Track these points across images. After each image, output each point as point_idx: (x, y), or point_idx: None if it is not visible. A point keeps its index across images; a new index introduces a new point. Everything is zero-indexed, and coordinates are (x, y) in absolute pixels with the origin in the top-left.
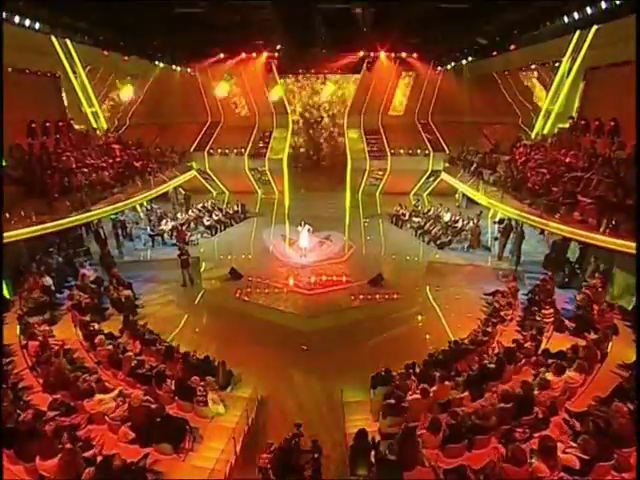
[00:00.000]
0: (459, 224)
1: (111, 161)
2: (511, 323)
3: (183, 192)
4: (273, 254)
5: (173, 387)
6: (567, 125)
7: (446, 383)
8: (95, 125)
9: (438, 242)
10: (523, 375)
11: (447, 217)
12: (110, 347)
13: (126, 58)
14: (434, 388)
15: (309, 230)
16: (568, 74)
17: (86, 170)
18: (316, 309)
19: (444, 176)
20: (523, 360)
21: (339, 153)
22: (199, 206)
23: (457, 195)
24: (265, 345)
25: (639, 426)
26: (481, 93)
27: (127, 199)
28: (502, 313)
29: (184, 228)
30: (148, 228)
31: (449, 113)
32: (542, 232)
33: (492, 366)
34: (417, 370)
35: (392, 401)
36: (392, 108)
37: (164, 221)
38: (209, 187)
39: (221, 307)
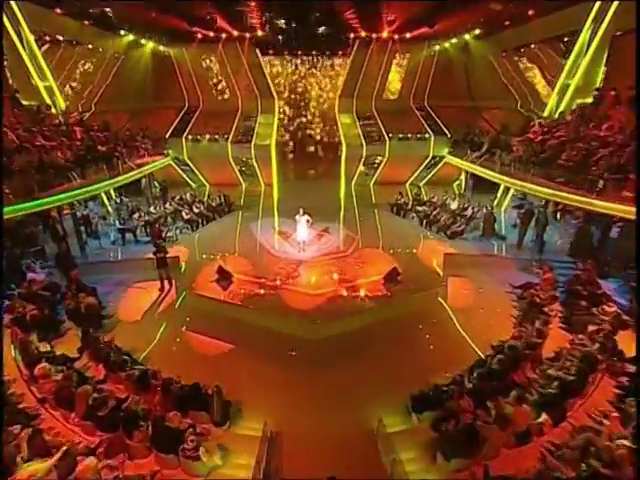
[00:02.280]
0: (468, 212)
1: (69, 143)
2: (554, 320)
3: (158, 185)
4: (266, 250)
5: (150, 431)
6: (589, 100)
7: (524, 406)
8: (49, 102)
9: (448, 232)
10: (603, 387)
11: (455, 205)
12: (59, 377)
13: (86, 22)
14: (508, 411)
15: (308, 221)
16: (589, 44)
17: (33, 150)
18: (326, 313)
19: (450, 159)
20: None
21: (331, 140)
22: (177, 199)
23: (456, 183)
24: (268, 361)
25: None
26: (478, 77)
27: (88, 186)
28: (545, 309)
29: (161, 222)
30: (117, 223)
31: (445, 97)
32: (555, 217)
33: (571, 378)
34: (467, 384)
35: (461, 435)
36: (386, 91)
37: (136, 215)
38: (188, 179)
39: (209, 314)
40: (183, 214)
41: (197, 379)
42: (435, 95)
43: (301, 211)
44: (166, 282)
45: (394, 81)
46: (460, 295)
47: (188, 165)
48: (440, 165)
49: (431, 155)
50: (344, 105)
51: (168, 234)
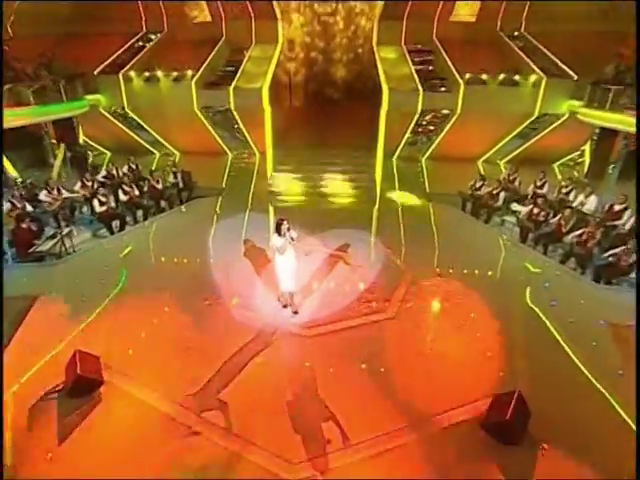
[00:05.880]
0: (626, 220)
1: None
2: None
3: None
4: (235, 300)
5: None
6: None
7: None
8: None
9: (593, 265)
10: None
11: (592, 204)
12: None
13: None
14: None
15: (293, 242)
16: None
17: None
18: None
19: (587, 114)
20: None
21: (364, 84)
22: (101, 176)
23: (557, 162)
24: None
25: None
26: None
27: None
28: None
29: (58, 216)
30: None
31: (552, 19)
32: None
33: None
34: None
35: None
36: (456, 11)
37: (8, 205)
38: (146, 144)
39: None
40: (95, 203)
41: None
42: (536, 17)
43: (284, 226)
44: None
45: None
46: None
47: (139, 122)
48: (555, 125)
49: (538, 110)
50: (387, 31)
51: (39, 248)
